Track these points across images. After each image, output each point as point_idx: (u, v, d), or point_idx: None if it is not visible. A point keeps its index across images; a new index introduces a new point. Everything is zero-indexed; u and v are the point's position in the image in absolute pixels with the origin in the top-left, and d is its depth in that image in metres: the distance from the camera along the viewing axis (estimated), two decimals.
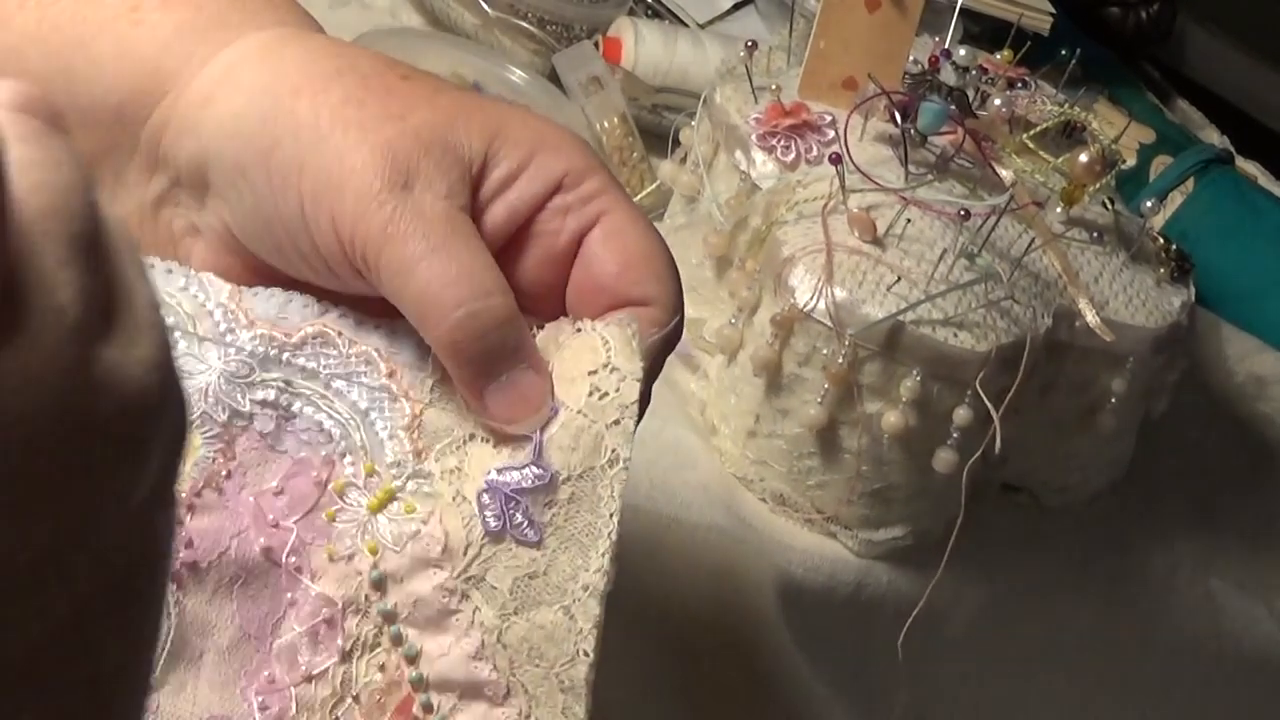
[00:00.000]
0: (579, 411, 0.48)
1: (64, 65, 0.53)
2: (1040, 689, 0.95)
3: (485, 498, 0.48)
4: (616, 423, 0.49)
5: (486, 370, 0.48)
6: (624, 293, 0.51)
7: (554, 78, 1.03)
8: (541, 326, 0.51)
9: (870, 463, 0.80)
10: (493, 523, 0.48)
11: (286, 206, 0.49)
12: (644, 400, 0.51)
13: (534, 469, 0.48)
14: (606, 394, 0.49)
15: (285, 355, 0.50)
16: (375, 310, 0.51)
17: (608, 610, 0.73)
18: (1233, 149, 1.35)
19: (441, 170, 0.48)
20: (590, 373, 0.49)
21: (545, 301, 0.52)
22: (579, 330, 0.50)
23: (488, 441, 0.49)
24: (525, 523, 0.48)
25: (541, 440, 0.48)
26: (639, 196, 0.99)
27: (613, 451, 0.48)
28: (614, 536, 0.48)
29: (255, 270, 0.52)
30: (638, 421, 0.50)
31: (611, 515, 0.48)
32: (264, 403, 0.50)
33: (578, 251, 0.51)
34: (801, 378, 0.79)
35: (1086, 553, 0.93)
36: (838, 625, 0.83)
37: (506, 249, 0.51)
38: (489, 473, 0.48)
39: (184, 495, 0.49)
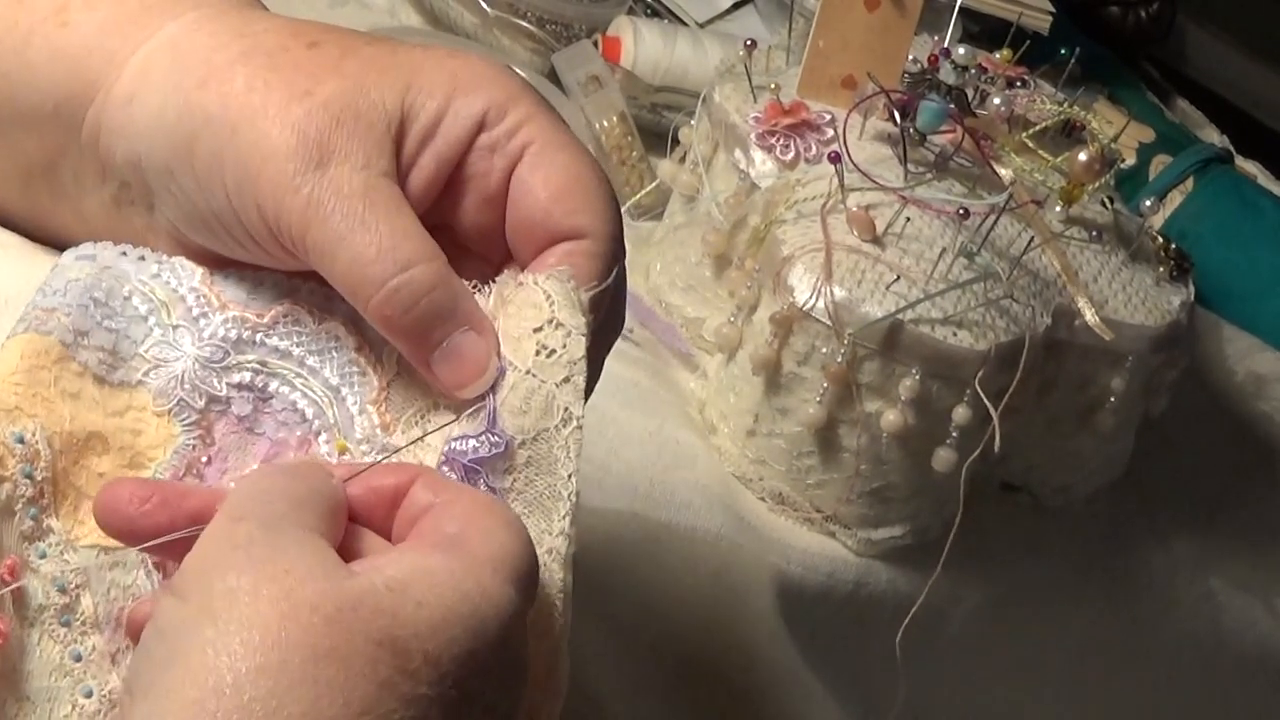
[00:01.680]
0: (528, 372, 0.48)
1: (1, 72, 0.53)
2: (1039, 688, 0.95)
3: (445, 469, 0.48)
4: (566, 380, 0.48)
5: (424, 339, 0.48)
6: (556, 225, 0.50)
7: (553, 77, 1.03)
8: (490, 283, 0.50)
9: (869, 462, 0.80)
10: None
11: (216, 201, 0.49)
12: (598, 359, 0.50)
13: (490, 436, 0.48)
14: (554, 351, 0.48)
15: (259, 336, 0.50)
16: None
17: (606, 607, 0.73)
18: (1232, 148, 1.35)
19: (356, 139, 0.48)
20: (535, 330, 0.49)
21: (492, 245, 0.51)
22: (521, 284, 0.49)
23: (449, 409, 0.49)
24: (487, 491, 0.48)
25: (495, 406, 0.48)
26: (638, 196, 0.99)
27: (565, 411, 0.48)
28: (574, 499, 0.48)
29: (215, 262, 0.52)
30: (593, 378, 0.49)
31: (570, 476, 0.48)
32: (240, 385, 0.50)
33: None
34: (800, 377, 0.79)
35: (1086, 551, 0.93)
36: (837, 624, 0.83)
37: (444, 197, 0.50)
38: (447, 443, 0.48)
39: None
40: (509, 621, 0.42)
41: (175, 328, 0.50)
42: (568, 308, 0.48)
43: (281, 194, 0.47)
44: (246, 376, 0.50)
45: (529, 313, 0.49)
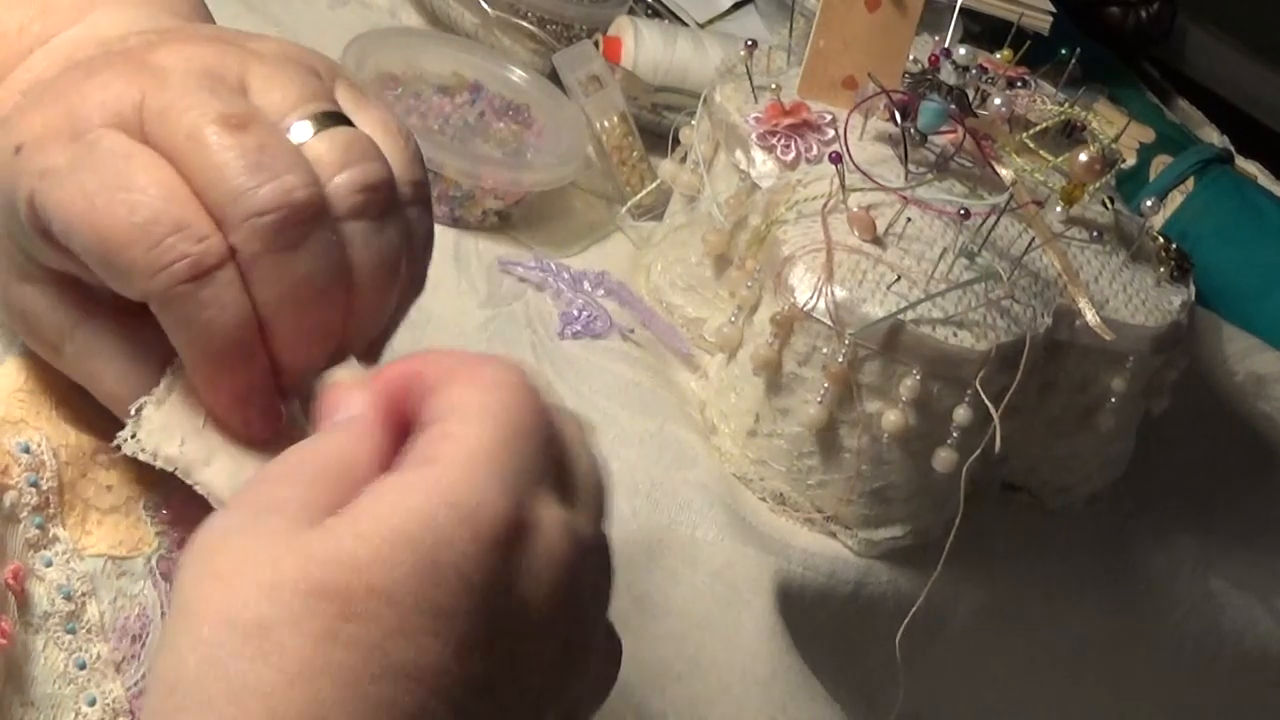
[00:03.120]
0: None
1: None
2: (1039, 688, 0.95)
3: None
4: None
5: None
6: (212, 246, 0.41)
7: (554, 77, 1.03)
8: None
9: (870, 462, 0.80)
10: None
11: None
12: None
13: None
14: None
15: None
16: None
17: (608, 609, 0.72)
18: (1232, 148, 1.35)
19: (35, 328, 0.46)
20: None
21: None
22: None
23: None
24: None
25: None
26: (639, 196, 0.99)
27: None
28: None
29: None
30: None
31: None
32: None
33: None
34: (801, 377, 0.79)
35: (1086, 552, 0.93)
36: (837, 624, 0.83)
37: None
38: None
39: (165, 512, 0.49)
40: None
41: None
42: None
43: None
44: None
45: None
